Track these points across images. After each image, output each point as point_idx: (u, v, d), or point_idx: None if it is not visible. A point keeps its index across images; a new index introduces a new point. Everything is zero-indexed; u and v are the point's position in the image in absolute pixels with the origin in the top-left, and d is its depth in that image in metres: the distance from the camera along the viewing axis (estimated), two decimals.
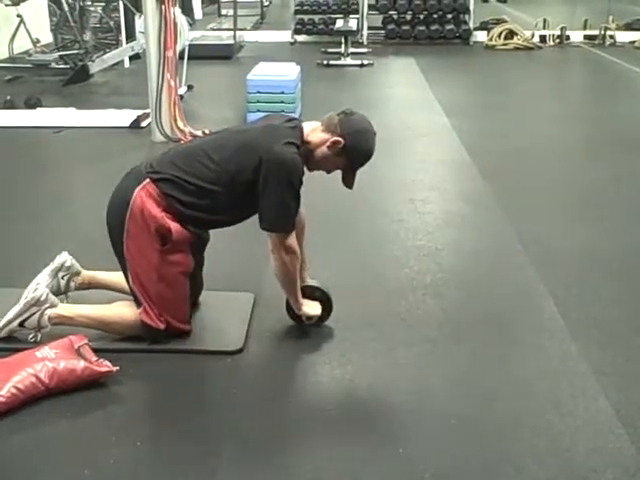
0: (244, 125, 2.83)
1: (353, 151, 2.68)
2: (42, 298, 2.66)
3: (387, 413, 2.42)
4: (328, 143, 2.66)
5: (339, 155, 2.68)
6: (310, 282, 2.90)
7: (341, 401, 2.47)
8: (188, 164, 2.66)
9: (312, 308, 2.84)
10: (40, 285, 2.72)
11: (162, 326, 2.67)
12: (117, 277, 2.95)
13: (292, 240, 2.67)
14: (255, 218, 2.68)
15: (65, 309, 2.72)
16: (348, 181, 2.75)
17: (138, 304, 2.69)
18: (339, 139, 2.64)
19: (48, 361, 2.43)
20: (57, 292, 2.86)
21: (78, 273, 2.94)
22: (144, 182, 2.63)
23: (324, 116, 2.74)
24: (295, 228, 2.68)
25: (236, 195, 2.66)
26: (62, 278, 2.90)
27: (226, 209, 2.71)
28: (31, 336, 2.66)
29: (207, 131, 5.58)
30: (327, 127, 2.69)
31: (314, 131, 2.70)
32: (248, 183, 2.61)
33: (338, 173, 2.76)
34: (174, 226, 2.64)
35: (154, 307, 2.66)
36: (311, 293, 2.87)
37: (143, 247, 2.63)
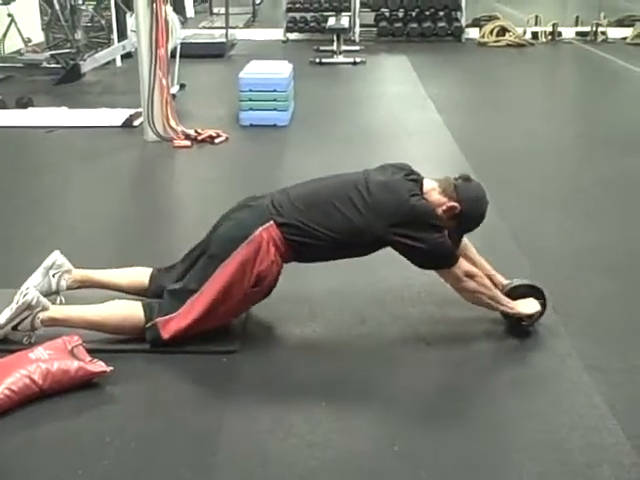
0: (362, 175, 2.81)
1: (467, 217, 2.75)
2: (33, 302, 2.63)
3: (382, 410, 2.42)
4: (444, 207, 2.71)
5: (451, 219, 2.73)
6: (512, 283, 2.87)
7: (336, 398, 2.47)
8: (314, 212, 2.68)
9: (528, 307, 2.81)
10: (30, 289, 2.69)
11: (168, 338, 2.66)
12: (109, 275, 2.95)
13: (464, 265, 2.72)
14: None
15: (57, 312, 2.70)
16: (454, 243, 2.79)
17: (159, 310, 2.66)
18: (456, 205, 2.71)
19: (42, 362, 2.42)
20: (49, 291, 2.85)
21: (69, 271, 2.93)
22: (267, 224, 2.64)
23: (441, 177, 2.80)
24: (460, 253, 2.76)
25: (363, 244, 2.74)
26: (53, 276, 2.89)
27: (350, 252, 2.80)
28: (25, 339, 2.65)
29: (213, 132, 5.57)
30: (444, 190, 2.74)
31: (432, 190, 2.75)
32: (375, 239, 2.70)
33: None
34: (273, 275, 2.68)
35: (181, 325, 2.63)
36: (520, 292, 2.83)
37: (236, 281, 2.62)
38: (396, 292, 3.14)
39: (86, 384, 2.45)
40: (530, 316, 2.81)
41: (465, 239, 2.93)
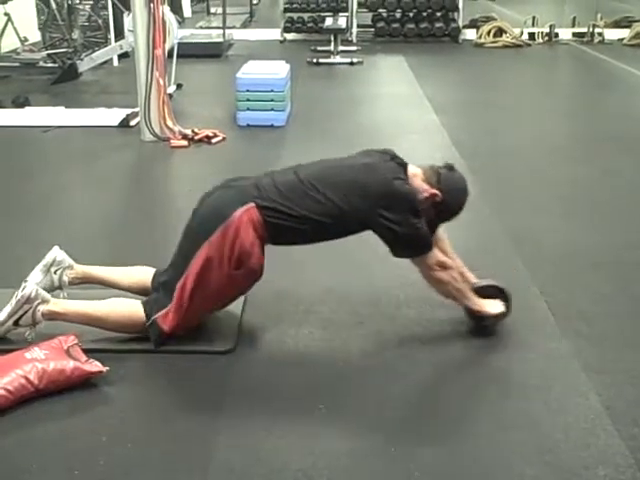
0: (347, 159, 2.85)
1: (447, 207, 2.76)
2: (32, 295, 2.64)
3: (378, 411, 2.41)
4: (426, 194, 2.71)
5: (431, 207, 2.73)
6: (480, 282, 2.88)
7: (332, 399, 2.47)
8: (297, 196, 2.67)
9: (494, 307, 2.82)
10: (29, 282, 2.71)
11: (173, 333, 2.67)
12: (110, 273, 2.95)
13: (437, 255, 2.71)
14: None
15: (58, 305, 2.70)
16: (431, 231, 2.78)
17: (156, 305, 2.67)
18: (438, 193, 2.71)
19: (38, 362, 2.41)
20: (52, 287, 2.85)
21: (70, 267, 2.93)
22: (248, 205, 2.62)
23: (425, 165, 2.81)
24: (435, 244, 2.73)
25: (342, 226, 2.72)
26: (55, 273, 2.89)
27: (326, 234, 2.77)
28: (27, 334, 2.65)
29: (210, 132, 5.57)
30: (428, 178, 2.75)
31: (415, 177, 2.75)
32: (360, 220, 2.68)
33: None
34: (256, 256, 2.64)
35: (179, 314, 2.64)
36: (486, 292, 2.84)
37: (216, 263, 2.60)
38: (392, 292, 3.14)
39: (82, 384, 2.45)
40: (494, 316, 2.82)
41: (441, 231, 2.91)
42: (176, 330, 2.66)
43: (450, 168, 2.82)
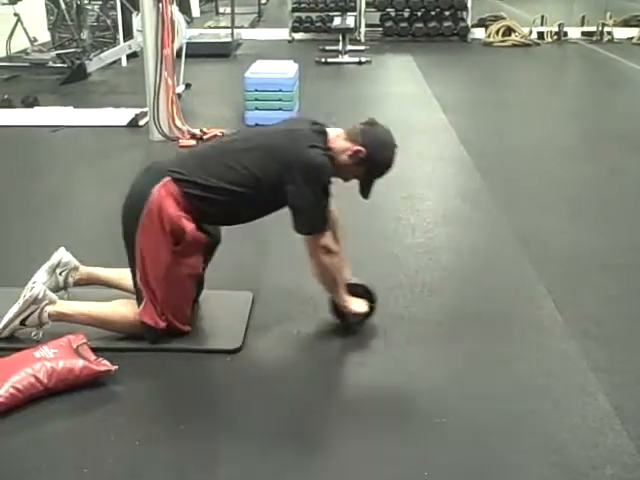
0: (267, 127, 2.84)
1: (373, 162, 2.70)
2: (40, 295, 2.66)
3: (385, 411, 2.41)
4: (350, 152, 2.68)
5: (359, 164, 2.70)
6: (352, 280, 2.88)
7: (339, 399, 2.47)
8: (212, 166, 2.66)
9: (358, 305, 2.83)
10: (37, 283, 2.73)
11: (162, 325, 2.67)
12: (116, 274, 2.96)
13: (328, 240, 2.68)
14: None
15: (64, 306, 2.72)
16: (365, 191, 2.77)
17: (139, 301, 2.69)
18: (361, 149, 2.67)
19: (47, 361, 2.43)
20: (56, 288, 2.87)
21: (76, 268, 2.94)
22: (164, 180, 2.62)
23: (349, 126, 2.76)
24: (330, 228, 2.70)
25: (261, 196, 2.67)
26: (60, 274, 2.91)
27: (248, 208, 2.73)
28: (33, 334, 2.67)
29: (218, 131, 5.58)
30: (350, 136, 2.71)
31: (337, 138, 2.72)
32: (273, 187, 2.63)
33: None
34: (189, 228, 2.63)
35: (157, 305, 2.66)
36: (354, 290, 2.85)
37: (155, 244, 2.61)
38: (400, 292, 3.14)
39: (91, 383, 2.46)
40: (356, 314, 2.82)
41: (337, 214, 2.88)
42: (164, 323, 2.66)
43: (372, 123, 2.76)
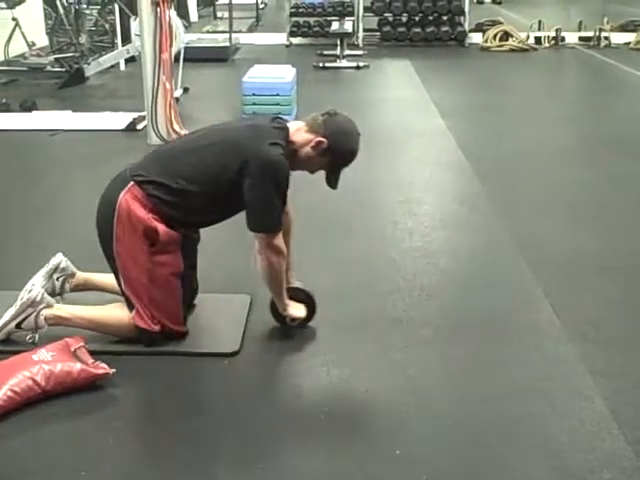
0: (227, 124, 2.85)
1: (336, 152, 2.69)
2: (37, 299, 2.66)
3: (384, 414, 2.41)
4: (312, 143, 2.67)
5: (323, 155, 2.69)
6: (294, 284, 2.90)
7: (338, 402, 2.48)
8: (171, 164, 2.68)
9: (297, 310, 2.84)
10: (35, 286, 2.72)
11: (156, 328, 2.67)
12: (112, 279, 2.95)
13: (279, 240, 2.68)
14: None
15: (61, 310, 2.72)
16: (331, 181, 2.76)
17: (130, 307, 2.69)
18: (323, 139, 2.66)
19: (44, 364, 2.42)
20: (52, 294, 2.86)
21: (73, 274, 2.95)
22: (129, 185, 2.64)
23: (308, 116, 2.75)
24: (282, 228, 2.69)
25: (219, 194, 2.67)
26: (57, 280, 2.90)
27: (209, 208, 2.72)
28: (29, 337, 2.66)
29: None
30: (311, 127, 2.70)
31: (299, 131, 2.71)
32: (232, 183, 2.62)
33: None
34: (161, 227, 2.64)
35: (147, 309, 2.66)
36: (295, 295, 2.86)
37: (132, 250, 2.63)
38: (398, 295, 3.14)
39: (88, 386, 2.45)
40: (294, 319, 2.83)
41: (292, 220, 2.89)
42: (158, 325, 2.66)
43: (333, 114, 2.74)
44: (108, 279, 2.95)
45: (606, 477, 2.09)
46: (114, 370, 2.48)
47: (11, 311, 2.67)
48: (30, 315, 2.65)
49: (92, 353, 2.54)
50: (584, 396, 2.47)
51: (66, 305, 2.80)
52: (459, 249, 3.74)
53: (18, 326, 2.67)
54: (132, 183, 2.64)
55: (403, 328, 2.91)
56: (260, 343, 2.80)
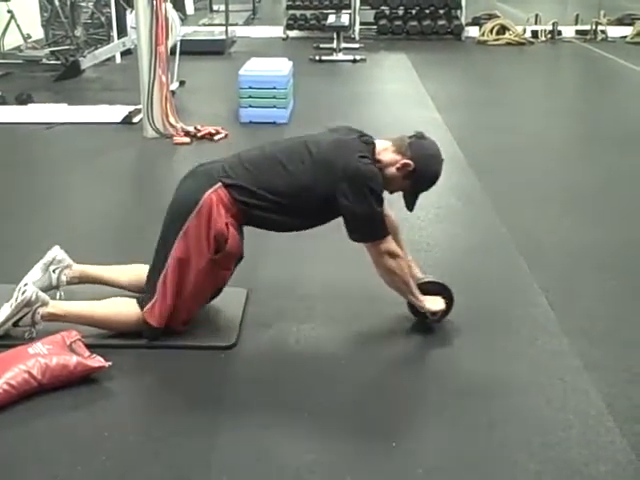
0: (312, 136, 2.84)
1: (421, 175, 2.72)
2: (32, 298, 2.64)
3: (381, 407, 2.42)
4: (398, 165, 2.69)
5: (406, 177, 2.71)
6: (425, 278, 2.87)
7: (334, 395, 2.48)
8: (262, 172, 2.67)
9: (435, 303, 2.81)
10: (29, 285, 2.69)
11: (162, 326, 2.67)
12: (109, 272, 2.96)
13: (391, 244, 2.68)
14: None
15: (57, 307, 2.71)
16: (409, 203, 2.79)
17: (140, 300, 2.67)
18: (409, 162, 2.68)
19: (40, 357, 2.42)
20: (49, 286, 2.86)
21: (69, 266, 2.94)
22: (216, 186, 2.63)
23: (396, 136, 2.76)
24: (389, 232, 2.70)
25: (312, 205, 2.68)
26: (53, 272, 2.90)
27: (299, 217, 2.73)
28: (27, 333, 2.65)
29: (212, 129, 5.58)
30: (398, 148, 2.71)
31: (385, 150, 2.72)
32: (322, 197, 2.63)
33: None
34: (232, 236, 2.64)
35: (164, 309, 2.64)
36: (429, 289, 2.83)
37: (194, 249, 2.61)
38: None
39: (84, 379, 2.45)
40: (434, 313, 2.81)
41: (394, 219, 2.90)
42: (164, 323, 2.66)
43: (420, 136, 2.77)
44: (105, 272, 2.96)
45: (602, 470, 2.10)
46: (110, 363, 2.48)
47: (6, 311, 2.64)
48: (26, 314, 2.64)
49: (88, 346, 2.54)
50: (580, 390, 2.48)
51: (61, 302, 2.79)
52: (455, 243, 3.74)
53: (15, 325, 2.66)
54: (220, 184, 2.63)
55: (397, 322, 2.90)
56: (256, 336, 2.80)
